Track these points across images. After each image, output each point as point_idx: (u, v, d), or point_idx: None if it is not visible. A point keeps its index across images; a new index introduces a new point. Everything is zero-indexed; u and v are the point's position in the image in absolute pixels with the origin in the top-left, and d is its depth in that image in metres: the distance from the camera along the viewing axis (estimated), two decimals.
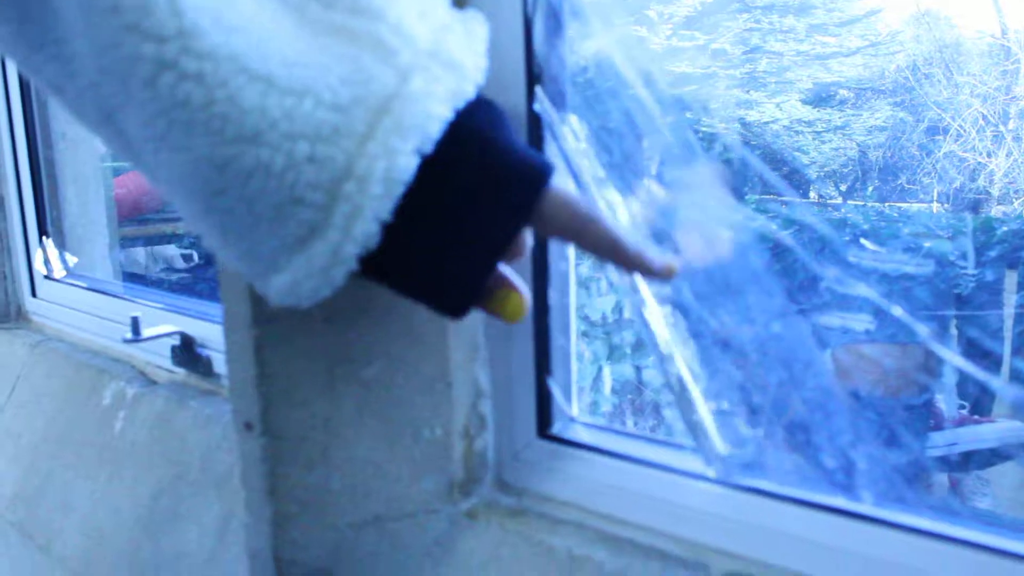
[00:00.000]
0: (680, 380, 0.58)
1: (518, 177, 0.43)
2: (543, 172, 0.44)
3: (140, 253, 3.10)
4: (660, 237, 0.61)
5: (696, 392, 0.58)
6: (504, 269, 0.48)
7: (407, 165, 0.39)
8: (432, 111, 0.39)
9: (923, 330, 0.54)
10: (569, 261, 0.65)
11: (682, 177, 0.62)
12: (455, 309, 0.45)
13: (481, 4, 0.62)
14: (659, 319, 0.58)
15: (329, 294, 0.42)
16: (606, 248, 0.46)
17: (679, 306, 0.59)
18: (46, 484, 1.09)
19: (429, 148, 0.40)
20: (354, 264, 0.41)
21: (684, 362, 0.58)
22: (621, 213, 0.60)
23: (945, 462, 1.67)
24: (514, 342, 0.66)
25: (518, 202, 0.43)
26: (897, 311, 0.58)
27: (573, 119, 0.61)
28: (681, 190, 0.61)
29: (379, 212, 0.39)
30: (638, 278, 0.58)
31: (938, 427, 1.65)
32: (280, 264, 0.42)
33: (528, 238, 0.48)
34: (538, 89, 0.61)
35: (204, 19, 0.36)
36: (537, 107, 0.61)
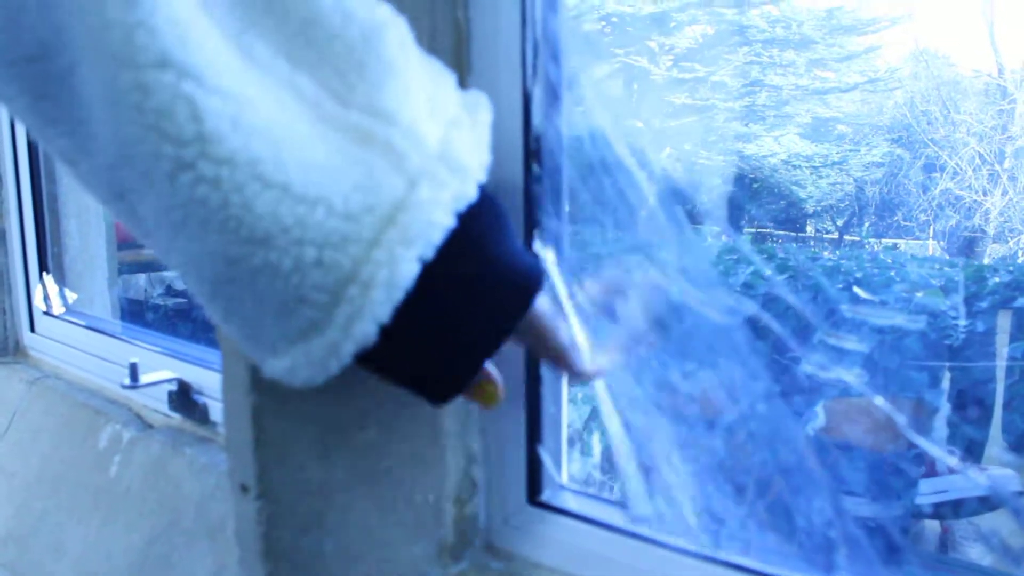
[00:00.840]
0: (660, 458, 0.59)
1: (511, 285, 0.45)
2: (534, 281, 0.46)
3: (140, 278, 3.12)
4: (648, 312, 0.62)
5: (677, 469, 0.59)
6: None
7: (409, 272, 0.40)
8: (436, 220, 0.40)
9: (900, 419, 0.54)
10: None
11: (668, 250, 0.63)
12: (439, 400, 0.47)
13: (481, 78, 0.64)
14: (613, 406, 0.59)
15: (322, 382, 0.43)
16: (554, 355, 0.51)
17: (663, 383, 0.60)
18: (39, 525, 1.09)
19: (431, 255, 0.41)
20: (350, 359, 0.42)
21: (665, 440, 0.59)
22: (608, 286, 0.61)
23: (935, 510, 1.67)
24: (506, 410, 0.67)
25: (509, 309, 0.45)
26: (878, 400, 0.59)
27: (566, 198, 0.63)
28: (667, 265, 0.63)
29: (379, 315, 0.40)
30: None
31: (929, 474, 1.66)
32: (279, 350, 0.43)
33: None
34: (534, 166, 0.63)
35: (224, 124, 0.37)
36: (533, 183, 0.63)
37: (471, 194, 0.43)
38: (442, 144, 0.42)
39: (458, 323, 0.44)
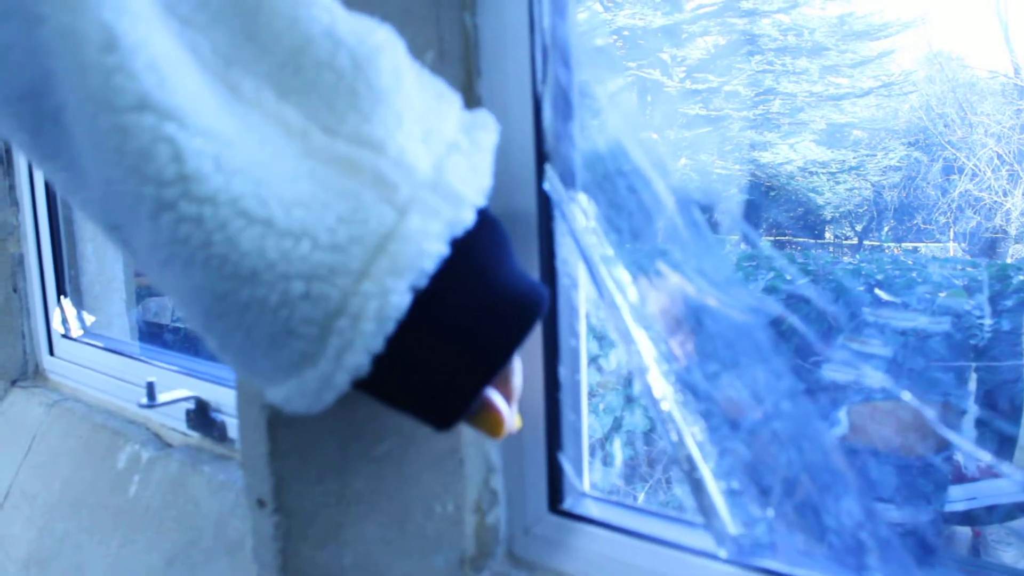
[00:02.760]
0: (690, 459, 0.58)
1: (510, 311, 0.43)
2: (535, 306, 0.44)
3: (161, 301, 3.14)
4: (666, 316, 0.62)
5: (706, 472, 0.58)
6: (488, 391, 0.49)
7: (400, 303, 0.39)
8: (427, 249, 0.40)
9: (930, 414, 0.53)
10: (580, 338, 0.65)
11: (688, 254, 0.62)
12: (440, 425, 0.46)
13: (491, 83, 0.63)
14: (669, 399, 0.58)
15: (321, 410, 0.43)
16: (507, 394, 0.49)
17: (688, 385, 0.59)
18: (60, 547, 1.09)
19: (424, 283, 0.40)
20: (345, 389, 0.41)
21: (694, 442, 0.58)
22: (630, 291, 0.60)
23: (966, 516, 1.64)
24: (525, 418, 0.66)
25: (509, 334, 0.44)
26: (905, 396, 0.57)
27: (582, 197, 0.62)
28: (687, 268, 0.62)
29: (370, 346, 0.39)
30: (652, 365, 0.59)
31: (958, 481, 1.63)
32: (276, 380, 0.42)
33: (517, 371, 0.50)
34: (547, 168, 0.62)
35: (206, 164, 0.37)
36: (546, 186, 0.62)
37: (467, 220, 0.42)
38: (435, 171, 0.41)
39: (455, 349, 0.43)
